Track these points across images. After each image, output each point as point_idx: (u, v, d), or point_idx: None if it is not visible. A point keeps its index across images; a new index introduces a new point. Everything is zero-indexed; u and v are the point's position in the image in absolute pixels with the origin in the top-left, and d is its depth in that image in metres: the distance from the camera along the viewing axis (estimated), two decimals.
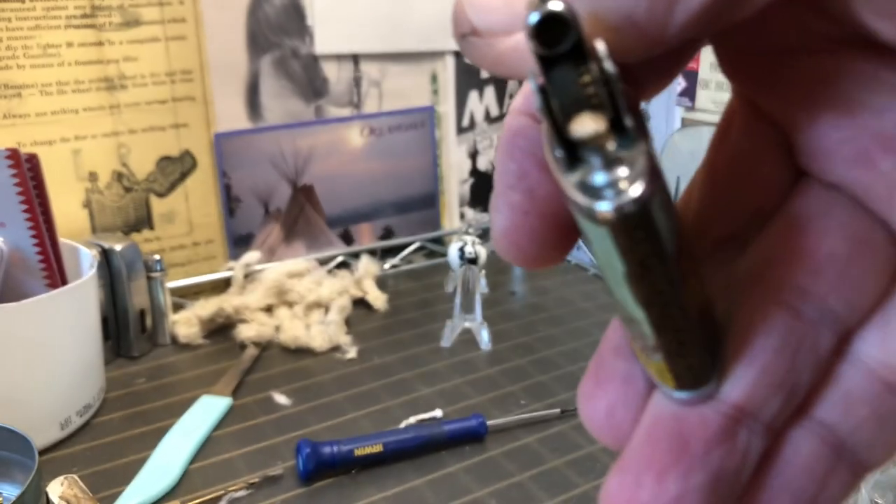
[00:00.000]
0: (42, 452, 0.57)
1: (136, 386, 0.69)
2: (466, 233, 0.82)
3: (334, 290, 0.82)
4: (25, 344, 0.58)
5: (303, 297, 0.81)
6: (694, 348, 0.14)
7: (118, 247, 0.71)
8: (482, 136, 1.03)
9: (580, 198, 0.11)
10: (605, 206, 0.11)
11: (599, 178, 0.11)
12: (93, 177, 0.78)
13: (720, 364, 0.14)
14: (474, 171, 1.03)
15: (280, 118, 0.88)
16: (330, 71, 0.90)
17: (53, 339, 0.59)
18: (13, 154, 0.59)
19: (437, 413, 0.65)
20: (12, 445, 0.49)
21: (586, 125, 0.11)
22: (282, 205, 0.89)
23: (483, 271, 0.78)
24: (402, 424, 0.64)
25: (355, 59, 0.91)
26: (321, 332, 0.77)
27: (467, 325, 0.78)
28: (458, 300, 0.78)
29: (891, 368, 0.14)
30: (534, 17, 0.11)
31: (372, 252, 0.94)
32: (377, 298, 0.85)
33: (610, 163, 0.11)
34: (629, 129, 0.11)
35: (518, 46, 0.13)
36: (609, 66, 0.11)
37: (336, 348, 0.76)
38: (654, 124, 0.99)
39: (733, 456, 0.14)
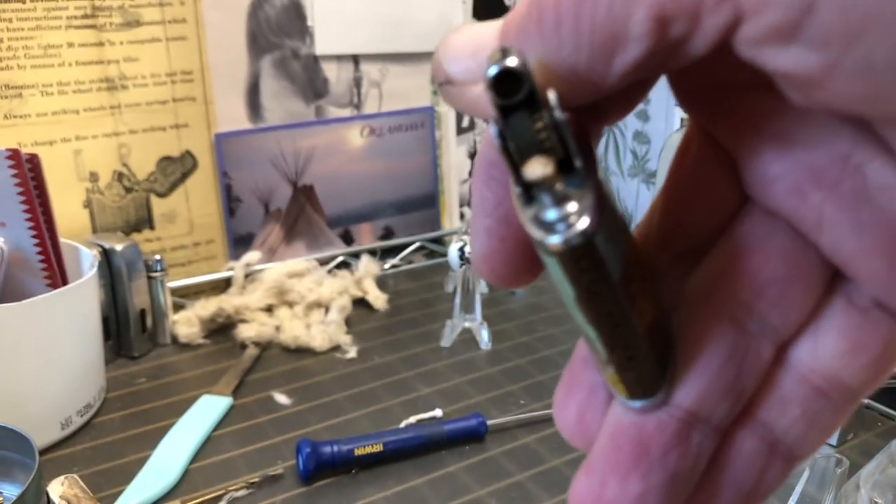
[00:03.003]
0: (43, 452, 0.57)
1: (136, 386, 0.70)
2: (466, 233, 0.82)
3: (334, 290, 0.82)
4: (26, 344, 0.58)
5: (303, 297, 0.81)
6: (643, 363, 0.15)
7: (119, 247, 0.71)
8: (482, 137, 1.03)
9: (534, 231, 0.13)
10: (553, 239, 0.12)
11: (551, 213, 0.13)
12: (93, 177, 0.78)
13: (672, 372, 0.16)
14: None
15: (280, 118, 0.88)
16: (330, 71, 0.90)
17: (54, 339, 0.60)
18: (14, 154, 0.59)
19: (437, 413, 0.65)
20: (13, 445, 0.49)
21: (536, 169, 0.13)
22: (282, 205, 0.90)
23: None
24: (402, 424, 0.64)
25: (355, 59, 0.91)
26: (321, 331, 0.77)
27: (467, 324, 0.79)
28: (457, 300, 0.78)
29: (819, 374, 0.16)
30: (492, 71, 0.12)
31: (372, 252, 0.94)
32: (377, 298, 0.85)
33: (560, 200, 0.13)
34: (578, 169, 0.13)
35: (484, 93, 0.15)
36: (559, 114, 0.12)
37: (336, 348, 0.76)
38: (654, 125, 0.99)
39: (687, 457, 0.16)
